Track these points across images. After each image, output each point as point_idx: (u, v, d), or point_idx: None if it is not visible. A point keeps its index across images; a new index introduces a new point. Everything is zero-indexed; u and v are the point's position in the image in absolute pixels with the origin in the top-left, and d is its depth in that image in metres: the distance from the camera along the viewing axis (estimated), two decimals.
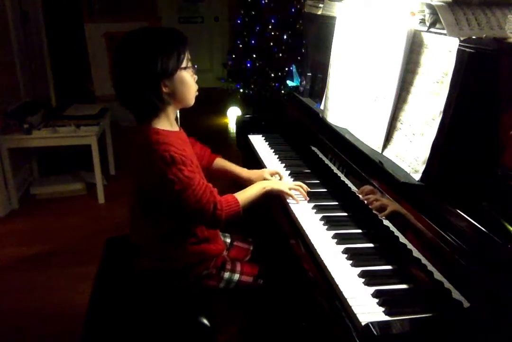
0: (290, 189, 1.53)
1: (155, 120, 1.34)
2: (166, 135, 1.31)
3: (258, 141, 2.14)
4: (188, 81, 1.34)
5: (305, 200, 1.52)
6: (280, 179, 1.68)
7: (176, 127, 1.41)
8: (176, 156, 1.27)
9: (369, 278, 1.09)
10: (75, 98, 4.14)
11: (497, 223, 0.94)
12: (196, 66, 1.39)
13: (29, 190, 3.47)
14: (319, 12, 1.93)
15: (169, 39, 1.31)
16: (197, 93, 1.40)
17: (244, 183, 1.65)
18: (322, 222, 1.38)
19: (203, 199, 1.31)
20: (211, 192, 1.34)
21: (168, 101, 1.33)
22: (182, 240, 1.42)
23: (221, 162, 1.72)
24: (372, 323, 0.92)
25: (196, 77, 1.38)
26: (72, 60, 4.71)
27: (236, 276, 1.49)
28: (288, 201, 1.51)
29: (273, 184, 1.54)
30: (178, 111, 1.44)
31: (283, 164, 1.85)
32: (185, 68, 1.32)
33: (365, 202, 1.33)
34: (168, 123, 1.37)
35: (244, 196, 1.44)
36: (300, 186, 1.54)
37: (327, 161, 1.65)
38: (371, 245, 1.27)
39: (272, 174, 1.69)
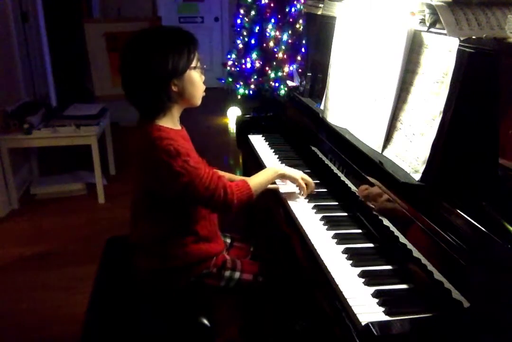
0: (302, 179, 1.54)
1: (159, 118, 1.35)
2: (167, 132, 1.32)
3: (258, 141, 2.14)
4: (197, 81, 1.36)
5: (303, 197, 1.54)
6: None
7: (178, 126, 1.43)
8: (180, 148, 1.28)
9: (369, 278, 1.09)
10: (75, 98, 4.14)
11: (497, 223, 0.94)
12: (205, 66, 1.40)
13: (29, 190, 3.47)
14: (319, 12, 1.93)
15: (180, 38, 1.32)
16: (204, 93, 1.41)
17: None
18: (322, 222, 1.38)
19: (211, 185, 1.32)
20: (219, 178, 1.36)
21: (176, 100, 1.35)
22: (182, 238, 1.42)
23: (221, 173, 1.68)
24: (372, 323, 0.92)
25: (203, 77, 1.39)
26: (72, 60, 4.70)
27: (237, 274, 1.49)
28: (289, 202, 1.51)
29: (286, 168, 1.57)
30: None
31: (283, 165, 1.85)
32: (194, 67, 1.34)
33: (365, 202, 1.33)
34: (171, 121, 1.38)
35: (256, 180, 1.46)
36: (310, 184, 1.55)
37: (327, 161, 1.65)
38: (371, 245, 1.27)
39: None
